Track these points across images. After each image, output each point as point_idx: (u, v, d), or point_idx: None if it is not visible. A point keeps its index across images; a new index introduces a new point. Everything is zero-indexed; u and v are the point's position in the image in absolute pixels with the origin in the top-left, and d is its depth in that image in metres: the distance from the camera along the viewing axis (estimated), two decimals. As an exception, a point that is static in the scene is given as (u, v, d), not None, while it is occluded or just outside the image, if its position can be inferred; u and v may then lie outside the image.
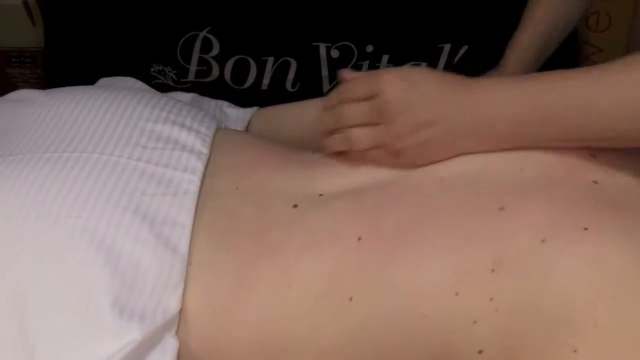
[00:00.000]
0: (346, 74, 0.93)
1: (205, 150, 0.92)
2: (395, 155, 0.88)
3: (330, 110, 0.92)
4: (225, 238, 0.84)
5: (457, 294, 0.76)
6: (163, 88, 1.52)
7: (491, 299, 0.75)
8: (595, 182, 0.82)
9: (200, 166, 0.89)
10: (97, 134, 0.90)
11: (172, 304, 0.80)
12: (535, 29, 1.19)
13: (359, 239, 0.80)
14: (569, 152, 0.85)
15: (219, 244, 0.84)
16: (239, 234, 0.84)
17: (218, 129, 1.00)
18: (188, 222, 0.84)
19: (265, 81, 1.54)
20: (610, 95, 0.78)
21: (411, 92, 0.86)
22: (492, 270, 0.75)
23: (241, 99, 1.38)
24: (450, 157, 0.87)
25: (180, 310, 0.80)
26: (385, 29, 1.52)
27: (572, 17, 1.23)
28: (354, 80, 0.91)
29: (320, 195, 0.87)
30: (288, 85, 1.56)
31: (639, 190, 0.83)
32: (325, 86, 1.56)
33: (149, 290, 0.79)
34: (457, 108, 0.85)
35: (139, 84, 1.11)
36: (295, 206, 0.86)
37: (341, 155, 0.93)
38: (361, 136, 0.89)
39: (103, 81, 1.15)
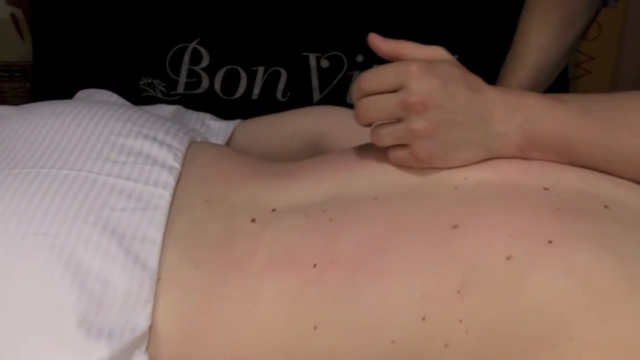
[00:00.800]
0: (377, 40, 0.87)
1: (177, 165, 0.91)
2: (415, 157, 0.83)
3: (357, 102, 0.85)
4: (194, 253, 0.83)
5: (424, 318, 0.74)
6: (152, 101, 1.51)
7: (460, 321, 0.73)
8: (547, 190, 0.81)
9: (171, 181, 0.88)
10: (67, 149, 0.89)
11: (142, 321, 0.78)
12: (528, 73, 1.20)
13: (314, 266, 0.78)
14: (511, 161, 0.84)
15: (188, 259, 0.82)
16: (208, 249, 0.83)
17: (193, 142, 0.99)
18: (158, 237, 0.82)
19: (256, 91, 1.54)
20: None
21: (441, 89, 0.80)
22: (459, 292, 0.73)
23: (232, 110, 1.38)
24: (479, 162, 0.84)
25: (150, 327, 0.79)
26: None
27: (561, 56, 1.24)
28: (378, 70, 0.83)
29: (273, 210, 0.86)
30: (278, 95, 1.56)
31: (591, 192, 0.82)
32: (316, 96, 1.56)
33: (118, 307, 0.78)
34: (485, 109, 0.82)
35: (114, 97, 1.11)
36: (253, 221, 0.84)
37: (305, 164, 0.92)
38: (383, 132, 0.84)
39: (81, 93, 1.14)
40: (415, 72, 0.80)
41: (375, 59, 1.53)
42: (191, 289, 0.80)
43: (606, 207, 0.79)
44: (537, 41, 1.20)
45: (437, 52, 0.86)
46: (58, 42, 1.52)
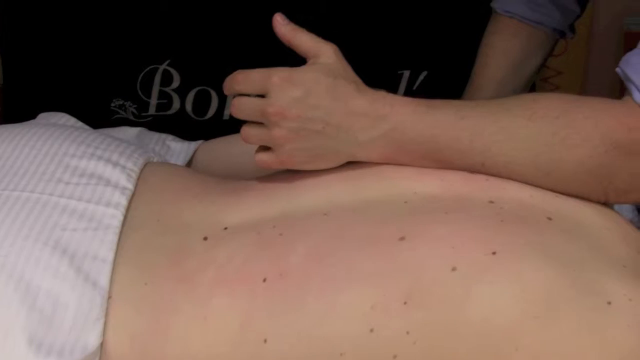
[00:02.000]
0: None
1: (130, 185, 0.91)
2: (280, 161, 0.87)
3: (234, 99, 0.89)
4: (144, 271, 0.83)
5: (372, 330, 0.74)
6: (124, 123, 1.51)
7: (408, 332, 0.73)
8: (492, 202, 0.83)
9: (123, 201, 0.88)
10: (19, 171, 0.90)
11: (92, 339, 0.78)
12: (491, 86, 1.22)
13: (264, 280, 0.79)
14: (461, 175, 0.86)
15: (139, 277, 0.83)
16: (158, 267, 0.84)
17: (148, 163, 0.99)
18: (109, 256, 0.83)
19: (227, 112, 1.55)
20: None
21: (301, 100, 0.83)
22: (405, 303, 0.74)
23: (203, 131, 1.37)
24: (337, 165, 0.87)
25: (101, 345, 0.79)
26: (344, 56, 1.52)
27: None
28: (248, 74, 0.87)
29: (225, 228, 0.86)
30: (250, 116, 1.56)
31: (535, 204, 0.83)
32: (287, 115, 1.56)
33: (68, 325, 0.78)
34: (347, 118, 0.84)
35: (72, 120, 1.11)
36: (205, 239, 0.85)
37: (256, 182, 0.93)
38: (250, 133, 0.88)
39: (42, 115, 1.14)
40: (276, 83, 0.84)
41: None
42: (141, 306, 0.81)
43: (549, 218, 0.81)
44: (495, 75, 1.23)
45: (325, 50, 0.88)
46: (28, 65, 1.52)
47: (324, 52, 0.87)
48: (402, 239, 0.78)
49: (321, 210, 0.84)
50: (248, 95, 0.87)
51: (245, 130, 0.88)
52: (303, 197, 0.87)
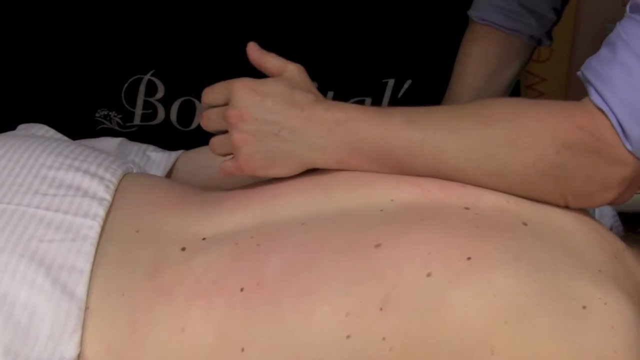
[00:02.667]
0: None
1: (108, 196, 0.91)
2: (238, 166, 0.90)
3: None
4: (121, 282, 0.84)
5: (348, 336, 0.75)
6: (109, 133, 1.51)
7: (384, 339, 0.74)
8: (467, 209, 0.84)
9: (101, 212, 0.88)
10: None
11: (69, 351, 0.79)
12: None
13: (242, 290, 0.80)
14: (437, 182, 0.87)
15: (116, 288, 0.83)
16: (135, 278, 0.84)
17: (127, 174, 0.99)
18: (86, 267, 0.83)
19: (212, 122, 1.54)
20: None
21: (258, 104, 0.87)
22: (381, 309, 0.74)
23: (189, 141, 1.37)
24: (295, 171, 0.89)
25: (78, 356, 0.79)
26: (329, 65, 1.53)
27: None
28: (215, 86, 0.92)
29: (204, 239, 0.87)
30: (234, 125, 1.56)
31: (510, 210, 0.84)
32: (272, 124, 1.56)
33: (45, 337, 0.78)
34: (303, 123, 0.87)
35: (51, 132, 1.11)
36: (183, 249, 0.86)
37: (234, 192, 0.95)
38: (214, 141, 0.92)
39: (21, 127, 1.14)
40: (236, 89, 0.89)
41: (329, 86, 1.55)
42: (119, 316, 0.81)
43: (524, 223, 0.82)
44: (474, 82, 1.23)
45: (289, 68, 0.92)
46: (11, 76, 1.51)
47: (288, 69, 0.91)
48: (377, 246, 0.79)
49: (299, 220, 0.85)
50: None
51: (212, 140, 0.92)
52: (281, 207, 0.88)
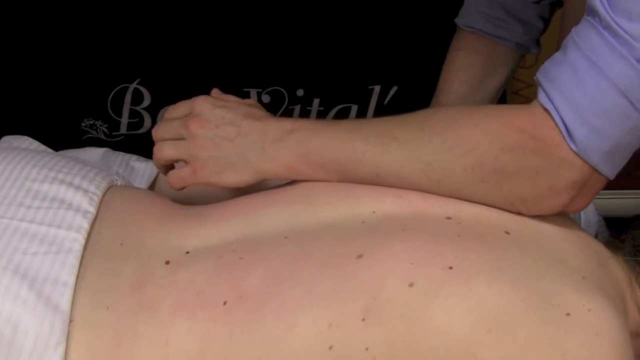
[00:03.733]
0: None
1: (92, 209, 0.91)
2: (193, 171, 0.92)
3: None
4: (106, 295, 0.83)
5: (331, 347, 0.75)
6: (95, 142, 1.51)
7: (367, 349, 0.74)
8: (449, 218, 0.84)
9: (85, 224, 0.88)
10: None
11: None
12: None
13: (225, 303, 0.80)
14: (417, 192, 0.87)
15: (100, 301, 0.83)
16: (119, 291, 0.84)
17: (112, 186, 0.99)
18: (70, 280, 0.83)
19: (198, 130, 1.54)
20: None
21: (218, 113, 0.93)
22: (363, 320, 0.75)
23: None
24: (247, 179, 0.92)
25: None
26: (315, 72, 1.53)
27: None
28: (178, 104, 0.97)
29: (187, 252, 0.88)
30: (221, 133, 1.56)
31: (492, 219, 0.84)
32: (258, 132, 1.56)
33: (29, 350, 0.78)
34: (257, 131, 0.91)
35: (35, 144, 1.11)
36: (167, 263, 0.86)
37: (217, 206, 0.96)
38: (165, 146, 0.94)
39: (4, 139, 1.14)
40: (197, 102, 0.95)
41: (315, 93, 1.56)
42: (103, 330, 0.81)
43: (507, 232, 0.82)
44: (459, 90, 1.24)
45: (247, 101, 0.99)
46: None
47: (246, 101, 0.98)
48: (359, 256, 0.79)
49: (281, 233, 0.86)
50: None
51: (161, 144, 0.95)
52: (263, 220, 0.89)
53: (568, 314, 0.72)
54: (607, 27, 0.77)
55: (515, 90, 1.89)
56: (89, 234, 0.88)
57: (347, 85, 1.55)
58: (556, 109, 0.79)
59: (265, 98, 1.53)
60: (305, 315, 0.76)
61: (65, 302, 0.81)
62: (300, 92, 1.54)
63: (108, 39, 1.46)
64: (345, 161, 0.88)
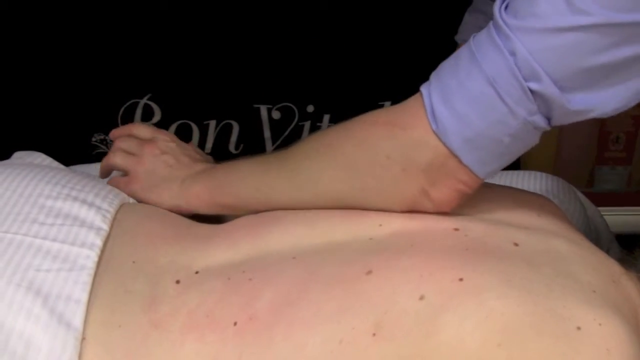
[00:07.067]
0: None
1: (105, 226, 0.91)
2: (127, 181, 1.05)
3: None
4: (118, 313, 0.83)
5: None
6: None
7: None
8: (457, 230, 0.84)
9: (98, 242, 0.88)
10: None
11: None
12: None
13: (235, 324, 0.80)
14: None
15: (112, 319, 0.83)
16: (131, 310, 0.84)
17: (124, 204, 1.01)
18: (83, 297, 0.82)
19: (209, 145, 1.55)
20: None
21: (171, 144, 1.09)
22: (374, 335, 0.74)
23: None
24: (165, 203, 1.02)
25: None
26: (325, 88, 1.53)
27: None
28: (144, 126, 1.14)
29: (197, 272, 0.88)
30: (231, 148, 1.57)
31: (500, 231, 0.84)
32: (268, 146, 1.57)
33: None
34: (187, 164, 1.05)
35: (47, 160, 1.12)
36: (177, 282, 0.86)
37: (225, 226, 0.98)
38: (117, 154, 1.09)
39: (17, 154, 1.15)
40: (163, 133, 1.12)
41: (325, 109, 1.56)
42: (114, 348, 0.80)
43: (515, 244, 0.81)
44: None
45: (201, 152, 1.14)
46: (8, 100, 1.51)
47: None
48: (369, 272, 0.78)
49: (289, 254, 0.86)
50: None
51: (115, 152, 1.09)
52: (271, 242, 0.89)
53: (579, 328, 0.71)
54: (495, 24, 0.78)
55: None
56: (102, 252, 0.88)
57: (357, 101, 1.55)
58: (429, 93, 0.81)
59: (276, 114, 1.54)
60: (315, 335, 0.76)
61: (78, 320, 0.80)
62: (310, 108, 1.54)
63: (119, 55, 1.47)
64: (263, 190, 0.95)
